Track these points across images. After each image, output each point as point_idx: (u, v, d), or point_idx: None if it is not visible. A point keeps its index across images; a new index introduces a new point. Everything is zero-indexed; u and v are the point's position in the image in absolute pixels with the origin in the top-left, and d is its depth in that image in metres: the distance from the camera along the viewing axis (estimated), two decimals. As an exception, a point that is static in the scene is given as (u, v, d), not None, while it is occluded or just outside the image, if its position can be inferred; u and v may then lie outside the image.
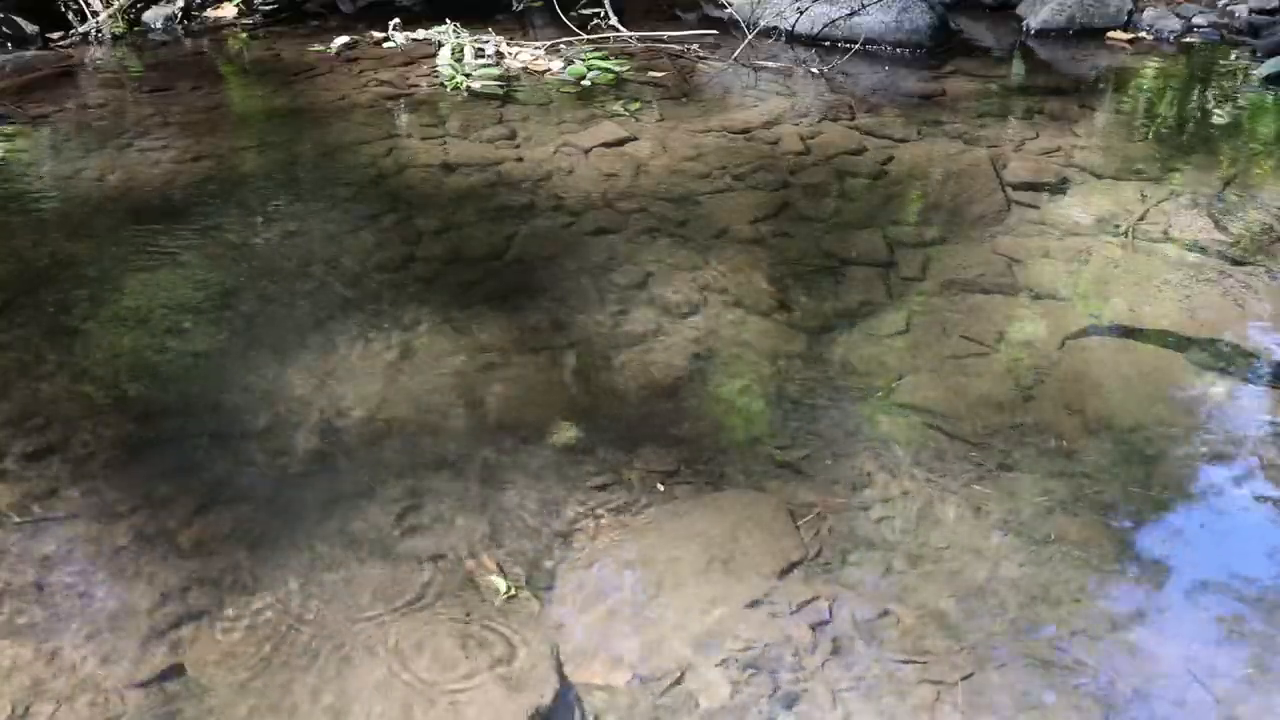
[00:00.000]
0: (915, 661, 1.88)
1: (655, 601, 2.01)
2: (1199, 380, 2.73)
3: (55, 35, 6.02)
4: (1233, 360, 2.80)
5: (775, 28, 6.16)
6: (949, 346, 2.86)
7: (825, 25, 6.05)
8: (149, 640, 1.92)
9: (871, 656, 1.90)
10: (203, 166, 4.08)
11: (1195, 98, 5.29)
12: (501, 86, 5.18)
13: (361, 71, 5.44)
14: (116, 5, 6.18)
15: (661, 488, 2.32)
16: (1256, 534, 2.23)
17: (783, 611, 1.99)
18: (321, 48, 5.87)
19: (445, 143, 4.35)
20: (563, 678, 1.84)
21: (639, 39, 6.02)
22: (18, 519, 2.21)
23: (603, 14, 6.19)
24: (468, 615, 1.96)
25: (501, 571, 2.08)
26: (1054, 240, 3.47)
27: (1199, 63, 5.86)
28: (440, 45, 5.76)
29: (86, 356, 2.80)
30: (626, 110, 4.79)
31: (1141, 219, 3.61)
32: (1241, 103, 5.09)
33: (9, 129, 4.56)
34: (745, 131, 4.49)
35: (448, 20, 6.04)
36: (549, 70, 5.47)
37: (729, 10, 6.38)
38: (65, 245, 3.41)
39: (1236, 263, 3.29)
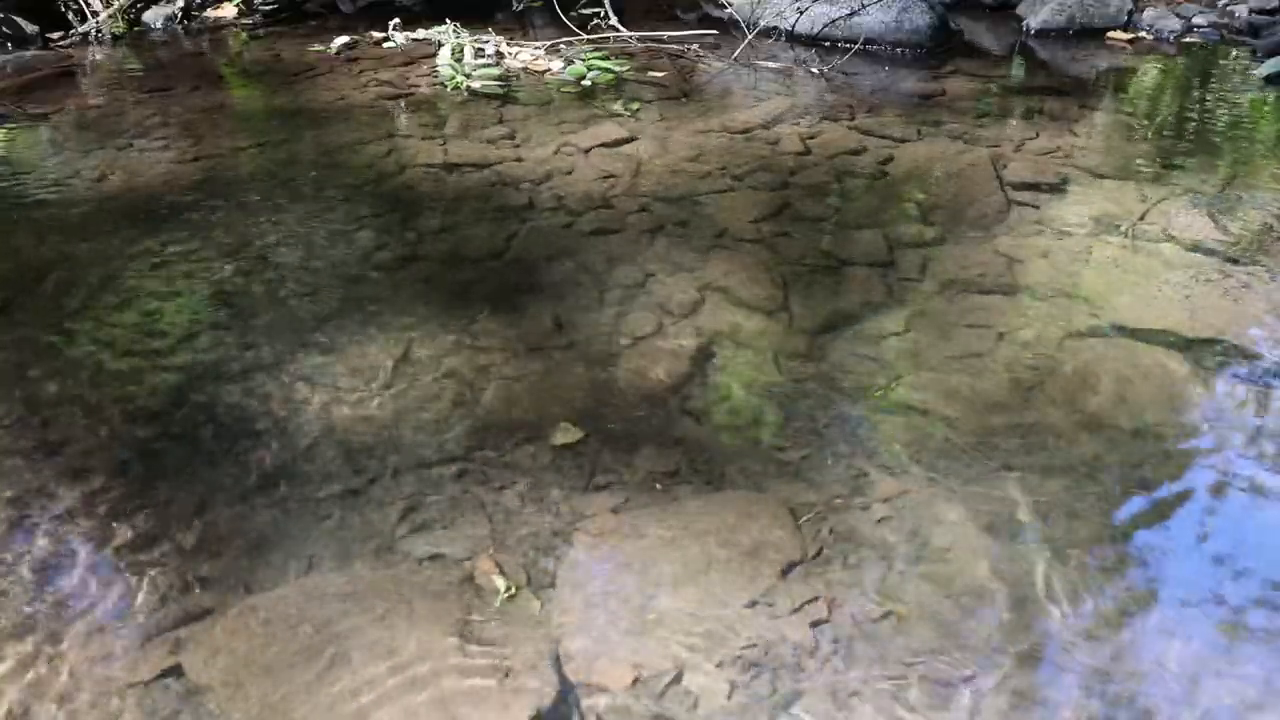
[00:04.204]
0: (915, 661, 1.88)
1: (655, 601, 2.01)
2: (1199, 380, 2.73)
3: (55, 35, 6.02)
4: (1233, 360, 2.80)
5: (775, 28, 6.16)
6: (949, 346, 2.86)
7: (825, 25, 6.05)
8: (149, 640, 1.92)
9: (871, 656, 1.89)
10: (203, 166, 4.08)
11: (1195, 98, 5.29)
12: (501, 86, 5.18)
13: (361, 71, 5.44)
14: (116, 5, 6.18)
15: (660, 488, 2.32)
16: (1257, 533, 2.23)
17: (783, 611, 1.99)
18: (321, 48, 5.88)
19: (445, 143, 4.35)
20: (563, 678, 1.84)
21: (639, 39, 6.02)
22: (18, 518, 2.21)
23: (603, 14, 6.19)
24: (468, 615, 1.96)
25: (501, 571, 2.08)
26: (1054, 240, 3.47)
27: (1199, 63, 5.86)
28: (440, 45, 5.77)
29: (86, 356, 2.80)
30: (626, 110, 4.79)
31: (1141, 219, 3.61)
32: (1241, 103, 5.09)
33: (9, 129, 4.56)
34: (745, 131, 4.49)
35: (448, 20, 6.05)
36: (549, 70, 5.48)
37: (729, 10, 6.38)
38: (65, 245, 3.42)
39: (1236, 263, 3.29)
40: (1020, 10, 6.61)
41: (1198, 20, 6.36)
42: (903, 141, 4.39)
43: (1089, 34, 6.29)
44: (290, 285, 3.16)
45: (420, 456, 2.41)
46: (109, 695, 1.81)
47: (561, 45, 5.88)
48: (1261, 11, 6.35)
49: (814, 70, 5.54)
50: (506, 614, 1.98)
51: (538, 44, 5.87)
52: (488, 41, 5.79)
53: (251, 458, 2.41)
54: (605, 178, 3.96)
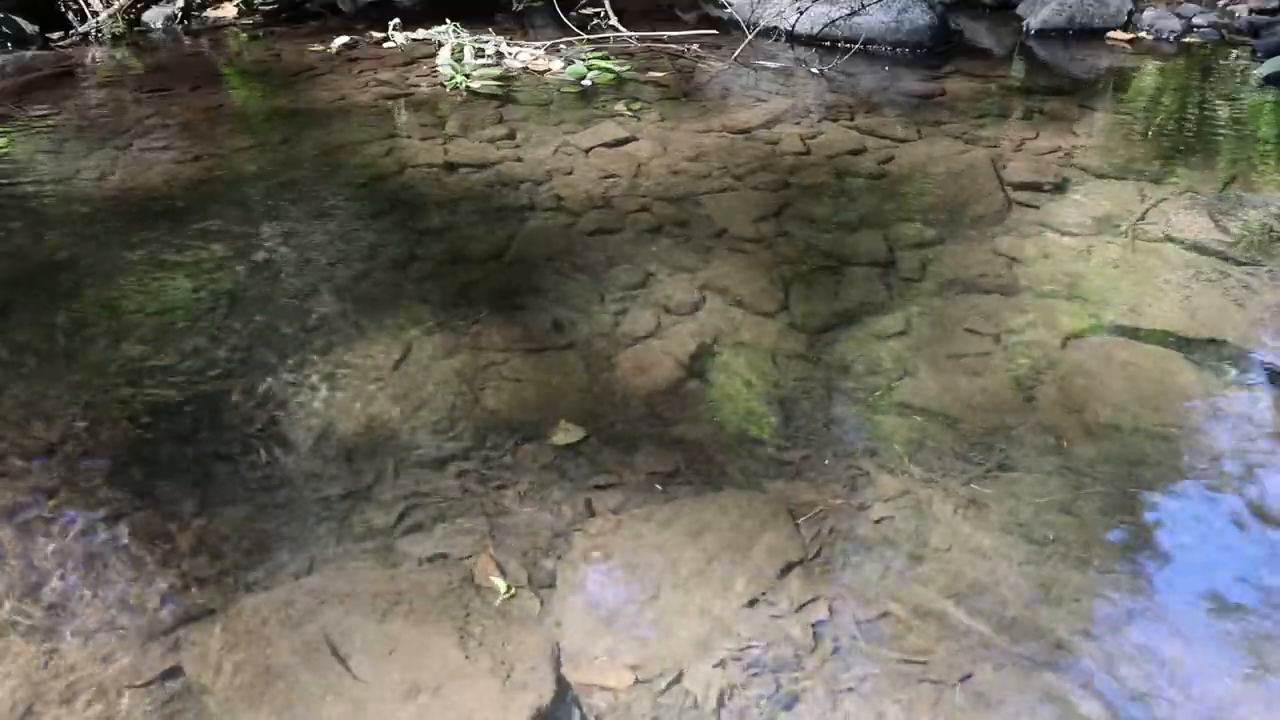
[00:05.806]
0: (915, 661, 1.88)
1: (655, 601, 2.01)
2: (1199, 380, 2.73)
3: (55, 35, 6.03)
4: (1233, 360, 2.80)
5: (775, 28, 6.16)
6: (949, 346, 2.86)
7: (825, 25, 6.05)
8: (149, 640, 1.92)
9: (871, 656, 1.90)
10: (203, 166, 4.08)
11: (1195, 98, 5.29)
12: (501, 86, 5.18)
13: (361, 71, 5.44)
14: (116, 5, 6.18)
15: (660, 488, 2.32)
16: (1256, 534, 2.23)
17: (783, 611, 1.99)
18: (321, 48, 5.88)
19: (445, 143, 4.35)
20: (562, 678, 1.84)
21: (639, 39, 6.02)
22: (18, 519, 2.21)
23: (603, 14, 6.19)
24: (467, 615, 1.96)
25: (501, 571, 2.08)
26: (1054, 240, 3.47)
27: (1199, 63, 5.86)
28: (440, 45, 5.77)
29: (86, 356, 2.80)
30: (626, 110, 4.79)
31: (1141, 219, 3.61)
32: (1241, 103, 5.09)
33: (9, 129, 4.56)
34: (745, 131, 4.49)
35: (448, 20, 6.05)
36: (549, 70, 5.48)
37: (729, 10, 6.38)
38: (65, 245, 3.42)
39: (1236, 263, 3.29)
40: (1020, 10, 6.62)
41: (1198, 20, 6.36)
42: (903, 141, 4.39)
43: (1089, 34, 6.29)
44: (290, 285, 3.16)
45: (420, 456, 2.41)
46: (109, 696, 1.81)
47: (561, 45, 5.88)
48: (1261, 11, 6.35)
49: (814, 70, 5.54)
50: (506, 614, 1.98)
51: (538, 44, 5.87)
52: (488, 41, 5.79)
53: (251, 458, 2.41)
54: (605, 178, 3.96)
